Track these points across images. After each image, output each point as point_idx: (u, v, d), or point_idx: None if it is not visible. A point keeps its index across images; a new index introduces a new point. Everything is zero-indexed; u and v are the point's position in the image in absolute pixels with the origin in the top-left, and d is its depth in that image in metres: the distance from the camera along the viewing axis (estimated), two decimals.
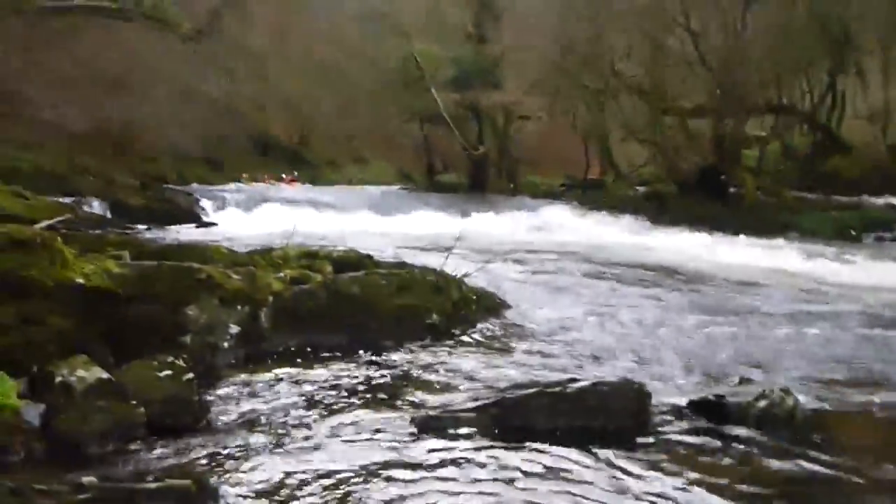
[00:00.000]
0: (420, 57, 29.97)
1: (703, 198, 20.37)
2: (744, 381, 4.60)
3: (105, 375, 3.92)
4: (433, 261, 8.55)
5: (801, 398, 4.52)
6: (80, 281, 4.43)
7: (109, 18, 18.11)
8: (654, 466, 3.63)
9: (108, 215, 16.67)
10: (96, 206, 16.87)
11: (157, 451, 3.61)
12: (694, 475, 3.54)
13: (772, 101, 23.29)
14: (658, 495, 3.30)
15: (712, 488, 3.40)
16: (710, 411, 4.27)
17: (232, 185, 28.23)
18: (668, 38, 23.01)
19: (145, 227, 16.39)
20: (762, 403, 4.28)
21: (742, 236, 16.57)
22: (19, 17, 14.86)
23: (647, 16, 22.45)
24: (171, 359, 4.23)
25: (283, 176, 34.72)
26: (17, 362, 4.04)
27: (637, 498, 3.28)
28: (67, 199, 16.35)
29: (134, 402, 3.78)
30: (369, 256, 7.87)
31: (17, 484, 2.89)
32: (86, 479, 2.92)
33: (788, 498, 3.38)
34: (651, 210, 21.75)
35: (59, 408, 3.66)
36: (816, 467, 3.68)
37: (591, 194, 26.53)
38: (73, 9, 17.17)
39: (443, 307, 6.33)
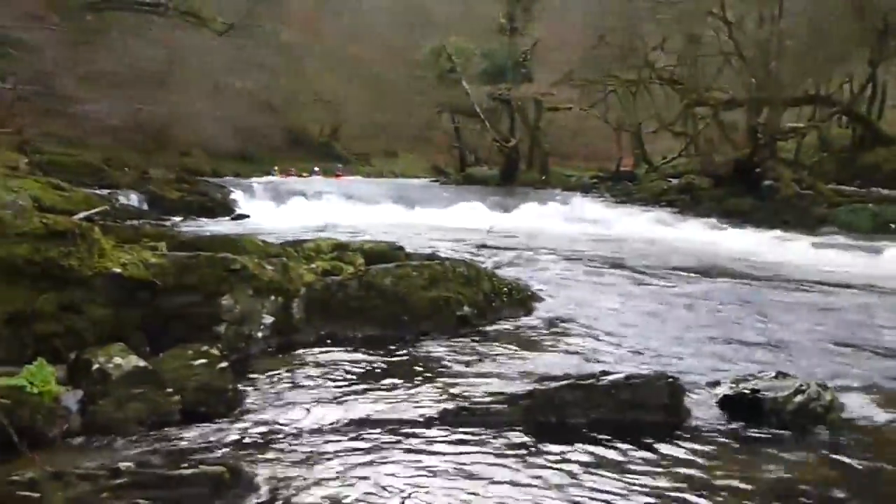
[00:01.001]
0: (452, 50, 29.91)
1: (737, 191, 20.08)
2: (780, 375, 4.52)
3: (141, 363, 3.98)
4: (465, 253, 8.56)
5: (840, 394, 4.46)
6: (118, 270, 4.50)
7: (145, 14, 18.34)
8: (688, 463, 3.59)
9: (145, 207, 16.94)
10: (133, 199, 17.15)
11: (192, 438, 3.65)
12: (729, 472, 3.49)
13: (809, 92, 22.87)
14: (691, 493, 3.27)
15: (747, 486, 3.36)
16: (744, 406, 4.21)
17: (265, 179, 28.57)
18: (703, 28, 22.69)
19: (180, 218, 16.62)
20: (799, 399, 4.21)
21: (777, 230, 16.34)
22: (61, 13, 15.11)
23: (681, 6, 22.14)
24: (205, 347, 4.29)
25: (316, 169, 34.93)
26: (56, 350, 4.13)
27: (670, 496, 3.25)
28: (105, 192, 16.64)
29: (169, 390, 3.83)
30: (401, 248, 7.89)
31: (56, 468, 2.95)
32: (122, 465, 2.96)
33: (824, 496, 3.33)
34: (684, 203, 21.52)
35: (97, 394, 3.72)
36: (853, 465, 3.62)
37: (622, 186, 26.28)
38: (109, 4, 17.42)
39: (474, 299, 6.33)
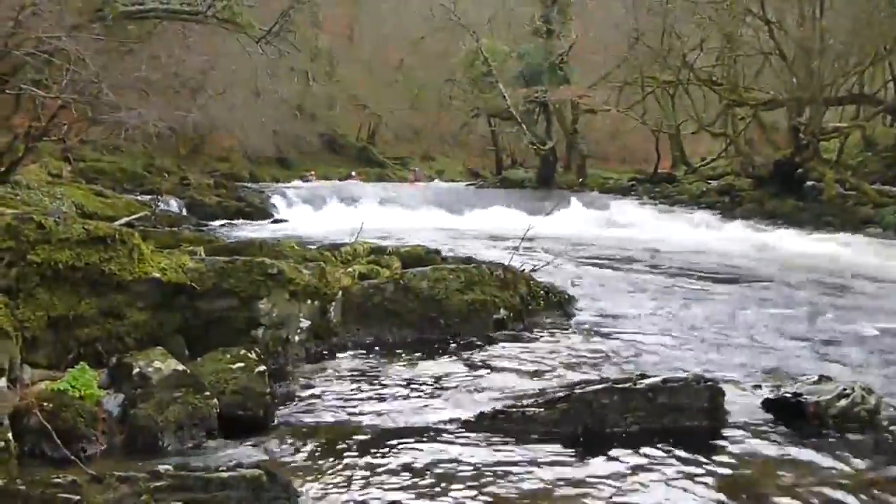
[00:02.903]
0: (487, 53, 29.88)
1: (778, 192, 19.75)
2: (822, 379, 4.42)
3: (180, 367, 4.02)
4: (502, 256, 8.53)
5: (885, 398, 4.34)
6: (157, 275, 4.55)
7: (183, 21, 18.60)
8: (730, 468, 3.53)
9: (185, 213, 17.17)
10: (173, 204, 17.41)
11: (230, 441, 3.69)
12: (772, 478, 3.42)
13: (852, 91, 22.41)
14: (734, 501, 3.21)
15: (792, 493, 3.28)
16: (786, 410, 4.13)
17: (302, 183, 28.88)
18: (742, 27, 22.34)
19: (220, 223, 16.82)
20: (842, 403, 4.11)
21: (820, 231, 16.05)
22: (100, 22, 15.40)
23: (719, 5, 21.84)
24: (243, 351, 4.32)
25: (353, 174, 35.07)
26: (97, 354, 4.19)
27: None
28: (146, 198, 16.93)
29: (208, 394, 3.86)
30: (437, 251, 7.88)
31: (97, 471, 2.99)
32: (162, 467, 2.99)
33: (870, 502, 3.24)
34: (724, 205, 21.23)
35: (137, 398, 3.77)
36: None
37: (661, 189, 25.98)
38: (149, 13, 17.70)
39: (510, 302, 6.30)
